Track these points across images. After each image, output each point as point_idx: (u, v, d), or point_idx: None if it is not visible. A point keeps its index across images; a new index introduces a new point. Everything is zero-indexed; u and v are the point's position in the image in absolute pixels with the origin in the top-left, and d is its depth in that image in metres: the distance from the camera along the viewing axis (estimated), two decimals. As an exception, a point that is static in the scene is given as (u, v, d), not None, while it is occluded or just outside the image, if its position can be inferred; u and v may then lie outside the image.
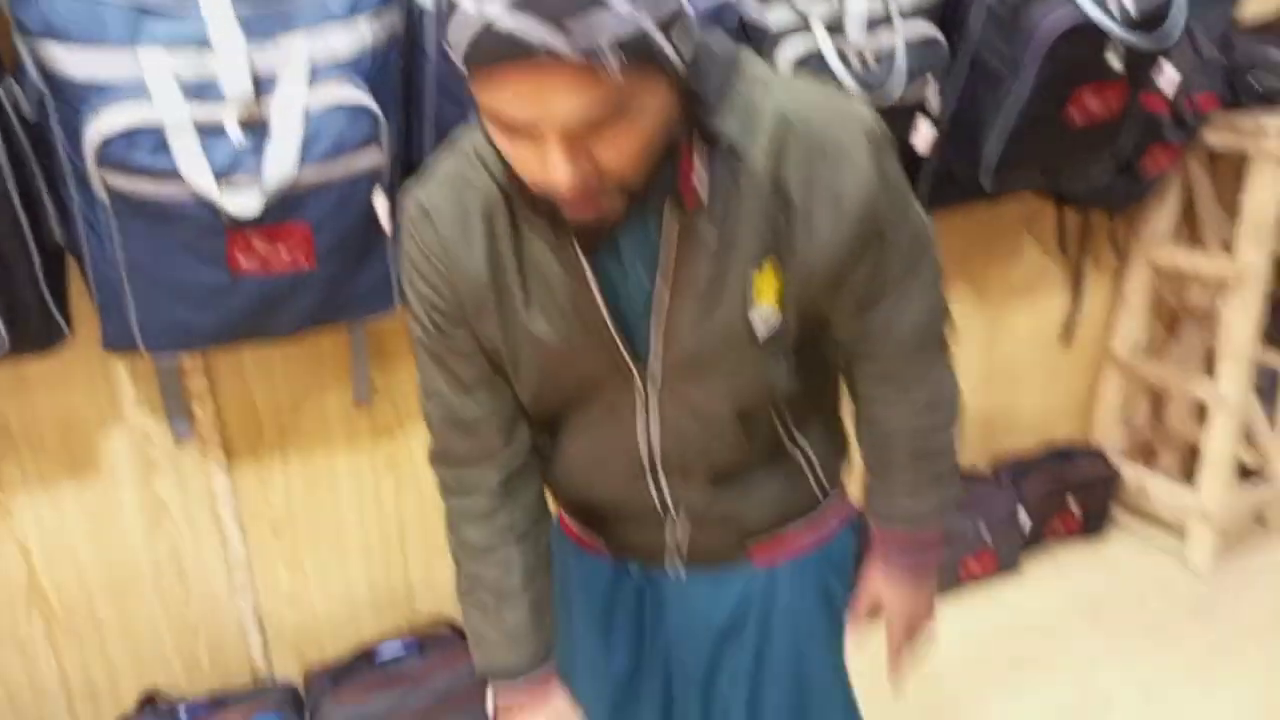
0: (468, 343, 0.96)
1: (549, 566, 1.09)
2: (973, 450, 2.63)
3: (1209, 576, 2.45)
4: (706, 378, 0.94)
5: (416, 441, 1.91)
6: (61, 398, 1.62)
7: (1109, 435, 2.70)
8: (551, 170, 0.73)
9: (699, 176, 0.84)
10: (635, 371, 0.94)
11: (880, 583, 1.16)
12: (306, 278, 1.48)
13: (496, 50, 0.67)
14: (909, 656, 1.20)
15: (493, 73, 0.69)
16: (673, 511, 1.06)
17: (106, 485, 1.69)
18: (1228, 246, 2.37)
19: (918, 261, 0.97)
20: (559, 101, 0.69)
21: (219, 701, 1.79)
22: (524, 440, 1.04)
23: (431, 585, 2.03)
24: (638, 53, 0.68)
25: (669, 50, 0.71)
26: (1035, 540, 2.53)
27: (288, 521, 1.85)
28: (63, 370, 1.60)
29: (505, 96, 0.70)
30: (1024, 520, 2.45)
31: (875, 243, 0.92)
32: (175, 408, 1.67)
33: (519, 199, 0.85)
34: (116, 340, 1.47)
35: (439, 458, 1.05)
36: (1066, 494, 2.53)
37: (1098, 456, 2.62)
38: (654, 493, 1.05)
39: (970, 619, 2.31)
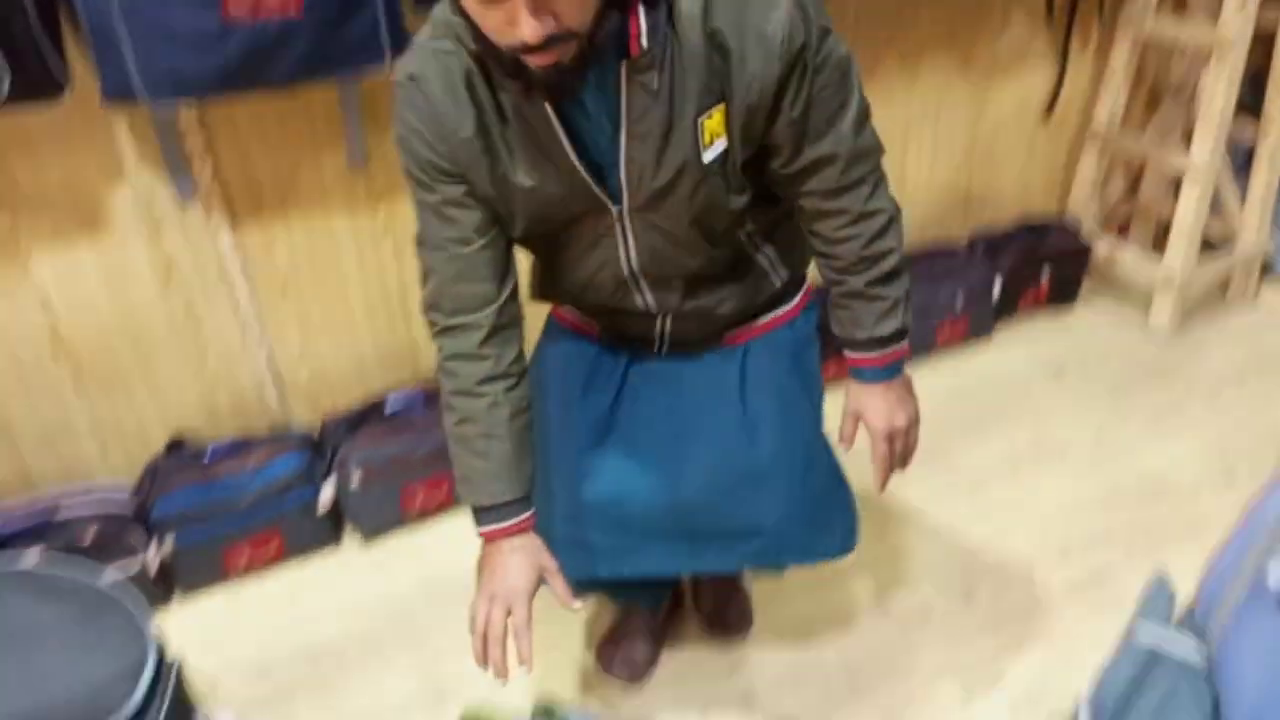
0: (464, 195, 1.10)
1: (529, 412, 1.23)
2: (951, 223, 2.72)
3: (1169, 340, 2.59)
4: (669, 206, 1.11)
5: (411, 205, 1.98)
6: (66, 156, 1.66)
7: (1084, 209, 2.78)
8: (520, 27, 0.88)
9: (640, 28, 0.98)
10: (610, 207, 1.12)
11: (859, 402, 1.30)
12: (295, 26, 1.52)
13: None
14: (893, 467, 1.31)
15: None
16: (656, 310, 1.27)
17: (117, 242, 1.76)
18: (1214, 16, 2.37)
19: (845, 92, 1.09)
20: None
21: (242, 445, 1.94)
22: (514, 293, 1.18)
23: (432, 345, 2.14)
24: None
25: None
26: (1007, 310, 2.66)
27: (293, 281, 1.94)
28: (65, 126, 1.64)
29: None
30: (997, 290, 2.57)
31: (803, 74, 1.05)
32: (176, 166, 1.72)
33: (492, 64, 0.99)
34: (115, 89, 1.50)
35: (435, 306, 1.18)
36: (1040, 266, 2.63)
37: (1071, 230, 2.71)
38: (639, 299, 1.25)
39: (941, 379, 2.46)
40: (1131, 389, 2.42)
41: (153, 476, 1.88)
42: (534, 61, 0.93)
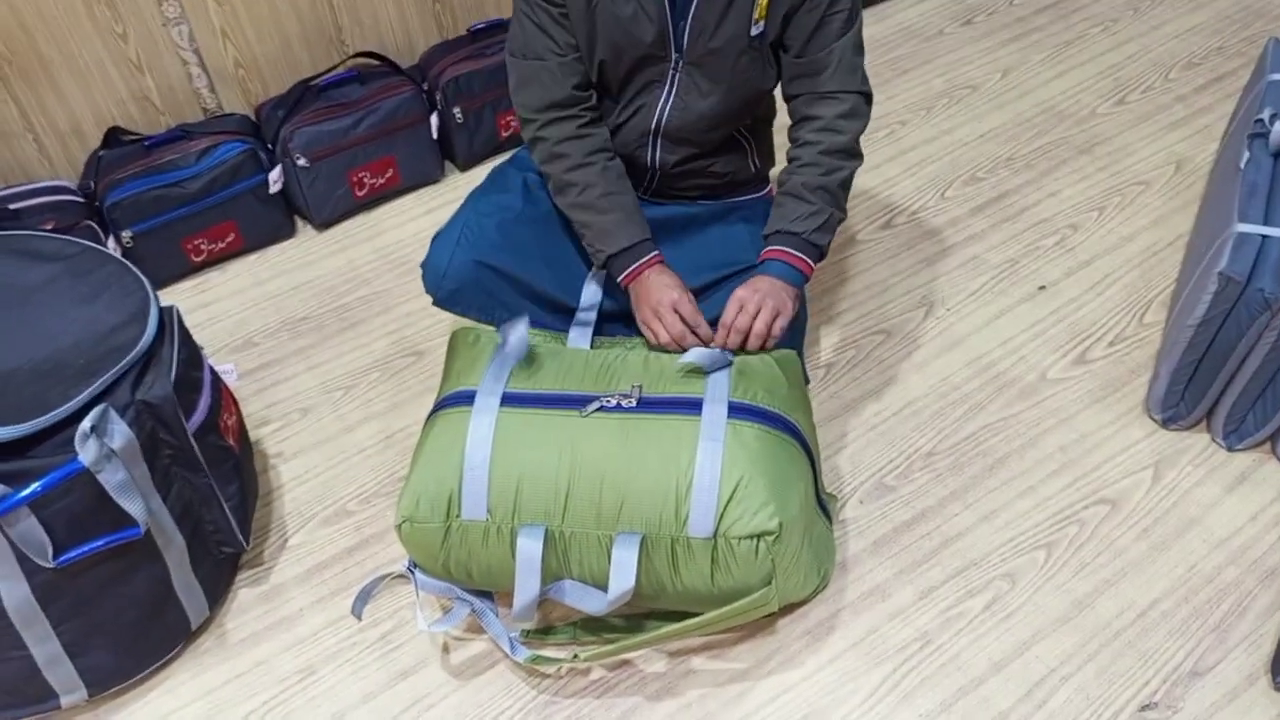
0: (562, 15, 1.34)
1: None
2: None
3: (1071, -21, 2.68)
4: (716, 66, 1.36)
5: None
6: None
7: None
8: None
9: None
10: (671, 54, 1.36)
11: (742, 286, 1.37)
12: None
13: None
14: (730, 330, 1.35)
15: None
16: (655, 167, 1.49)
17: (9, -91, 1.65)
18: None
19: (850, 21, 1.36)
20: None
21: (182, 133, 1.93)
22: (594, 95, 1.42)
23: (356, 19, 2.10)
24: None
25: None
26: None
27: (203, -48, 1.86)
28: None
29: None
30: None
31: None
32: None
33: None
34: None
35: (536, 107, 1.39)
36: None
37: None
38: (648, 154, 1.47)
39: (858, 33, 2.53)
40: (1035, 29, 2.52)
41: (97, 169, 1.88)
42: None
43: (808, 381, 1.66)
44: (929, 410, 1.65)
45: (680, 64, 1.38)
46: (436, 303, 1.48)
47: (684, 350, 1.35)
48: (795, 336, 1.57)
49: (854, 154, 1.42)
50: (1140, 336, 1.75)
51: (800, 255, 1.40)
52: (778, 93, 1.49)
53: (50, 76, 1.83)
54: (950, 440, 1.61)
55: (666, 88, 1.40)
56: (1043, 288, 1.85)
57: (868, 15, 2.60)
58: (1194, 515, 1.48)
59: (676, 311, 1.36)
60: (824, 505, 1.42)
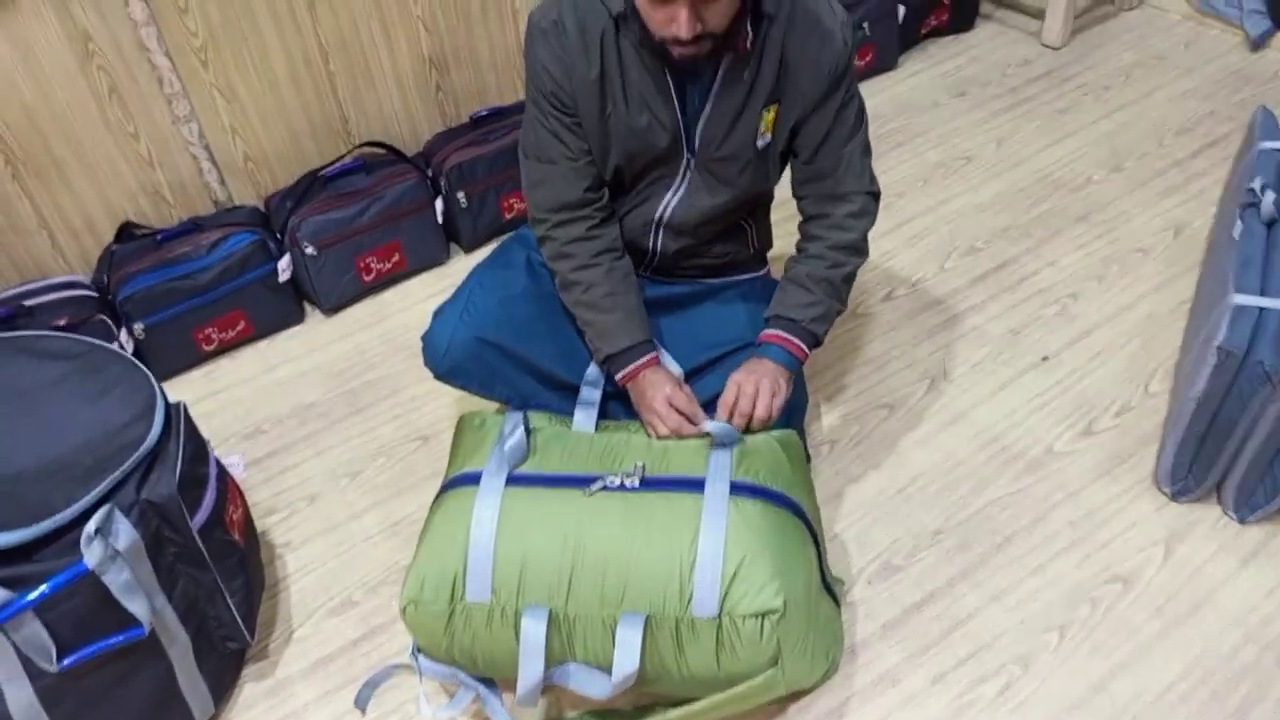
0: (574, 124, 1.36)
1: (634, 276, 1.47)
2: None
3: (1061, 49, 2.73)
4: (725, 170, 1.40)
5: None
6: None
7: (982, -71, 2.82)
8: (678, 27, 1.18)
9: (748, 34, 1.28)
10: (685, 155, 1.39)
11: (739, 370, 1.40)
12: None
13: None
14: (732, 411, 1.36)
15: None
16: (656, 252, 1.52)
17: (25, 16, 1.71)
18: None
19: (858, 125, 1.40)
20: None
21: (193, 226, 1.98)
22: (606, 195, 1.44)
23: (362, 111, 2.16)
24: None
25: None
26: (910, 38, 2.75)
27: (213, 50, 1.92)
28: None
29: None
30: (901, 17, 2.64)
31: (835, 100, 1.36)
32: (72, -67, 1.66)
33: (639, 36, 1.26)
34: None
35: (547, 208, 1.42)
36: (941, -12, 2.70)
37: (970, -53, 2.76)
38: (650, 240, 1.50)
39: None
40: (1028, 99, 2.57)
41: (110, 264, 1.92)
42: (679, 51, 1.21)
43: (809, 460, 1.66)
44: (935, 486, 1.65)
45: (692, 164, 1.41)
46: (437, 376, 1.50)
47: (682, 439, 1.36)
48: (795, 416, 1.57)
49: (860, 250, 1.45)
50: (1147, 406, 1.74)
51: (797, 341, 1.42)
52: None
53: (64, 174, 1.88)
54: (957, 517, 1.60)
55: (677, 183, 1.43)
56: (1046, 358, 1.86)
57: (863, 88, 2.62)
58: (1208, 591, 1.46)
59: (672, 405, 1.37)
60: (830, 588, 1.41)
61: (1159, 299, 1.95)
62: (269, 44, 1.97)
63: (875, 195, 1.45)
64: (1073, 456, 1.67)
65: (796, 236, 1.48)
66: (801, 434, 1.61)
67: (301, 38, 2.00)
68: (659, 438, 1.38)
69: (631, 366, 1.42)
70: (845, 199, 1.42)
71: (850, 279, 1.46)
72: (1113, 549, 1.53)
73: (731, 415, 1.36)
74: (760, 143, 1.38)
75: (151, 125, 1.92)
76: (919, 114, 2.55)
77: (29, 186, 1.86)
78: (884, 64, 2.69)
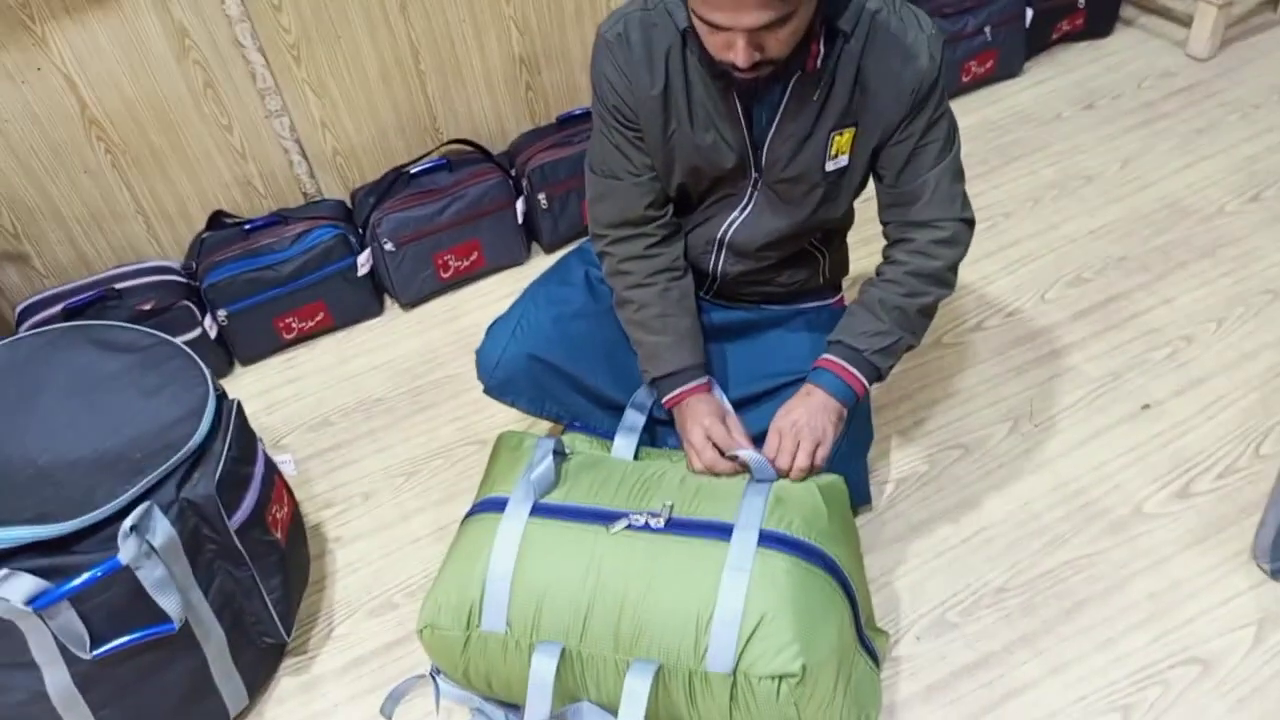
0: (638, 138, 1.31)
1: (693, 297, 1.42)
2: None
3: (1208, 61, 2.49)
4: (792, 192, 1.32)
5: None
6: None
7: (1127, -74, 2.60)
8: (735, 56, 1.11)
9: (819, 52, 1.19)
10: (751, 174, 1.32)
11: (786, 406, 1.32)
12: None
13: None
14: (778, 457, 1.29)
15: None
16: (716, 275, 1.45)
17: (127, 12, 1.78)
18: None
19: (949, 147, 1.29)
20: (748, 18, 1.07)
21: (280, 217, 2.03)
22: (669, 212, 1.39)
23: (451, 109, 2.16)
24: None
25: None
26: (1040, 43, 2.56)
27: (305, 47, 1.95)
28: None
29: (713, 11, 1.08)
30: (1029, 20, 2.47)
31: (920, 120, 1.25)
32: (174, -68, 1.71)
33: (701, 58, 1.21)
34: None
35: (608, 223, 1.38)
36: (1075, -10, 2.51)
37: (1111, -54, 2.55)
38: (711, 261, 1.44)
39: (966, 116, 2.42)
40: (1164, 115, 2.35)
41: (199, 251, 1.99)
42: (738, 75, 1.15)
43: (868, 501, 1.57)
44: (1004, 539, 1.53)
45: (758, 184, 1.34)
46: (487, 390, 1.49)
47: (717, 475, 1.31)
48: (857, 454, 1.49)
49: (944, 281, 1.35)
50: (1254, 470, 1.57)
51: (856, 373, 1.33)
52: (857, 202, 1.43)
53: (160, 163, 1.96)
54: (1025, 576, 1.48)
55: (743, 202, 1.37)
56: (1147, 407, 1.70)
57: (979, 96, 2.49)
58: (1302, 688, 1.31)
59: (710, 438, 1.31)
60: (868, 645, 1.33)
61: (1286, 349, 1.77)
62: (360, 42, 1.99)
63: (969, 223, 1.34)
64: (1163, 520, 1.53)
65: (878, 259, 1.39)
66: (863, 473, 1.53)
67: (393, 36, 2.01)
68: (694, 471, 1.33)
69: (676, 392, 1.37)
70: (932, 225, 1.32)
71: (927, 312, 1.36)
72: (1195, 628, 1.39)
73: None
74: (831, 165, 1.30)
75: (245, 118, 1.98)
76: (1039, 126, 2.38)
77: (127, 174, 1.94)
78: (1007, 71, 2.52)
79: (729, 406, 1.39)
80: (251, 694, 1.44)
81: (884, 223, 1.37)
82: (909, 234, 1.34)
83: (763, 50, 1.11)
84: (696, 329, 1.41)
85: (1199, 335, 1.81)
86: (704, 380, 1.38)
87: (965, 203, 1.34)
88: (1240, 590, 1.42)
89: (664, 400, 1.39)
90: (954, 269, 1.35)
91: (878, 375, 1.35)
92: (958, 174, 1.32)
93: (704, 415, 1.33)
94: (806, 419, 1.29)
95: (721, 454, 1.31)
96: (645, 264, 1.38)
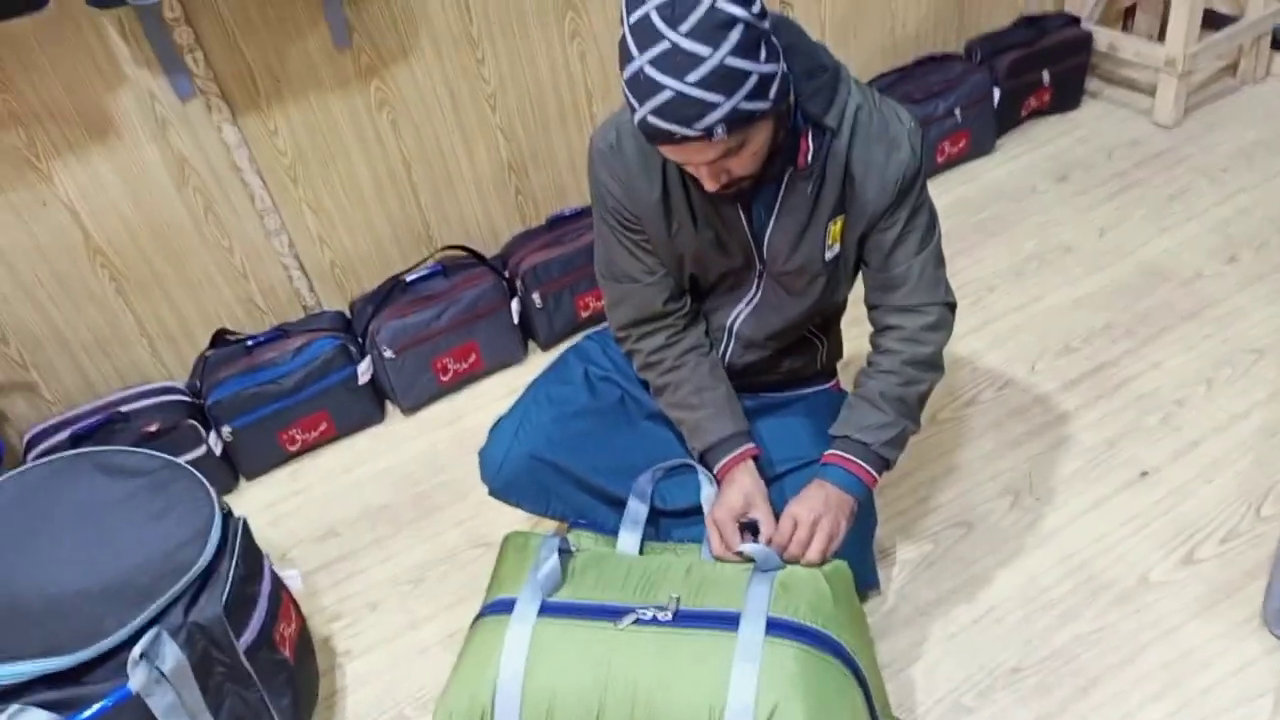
0: (644, 240, 1.36)
1: (722, 368, 1.46)
2: (947, 30, 2.68)
3: (1174, 128, 2.57)
4: (795, 282, 1.36)
5: (403, 78, 2.03)
6: (64, 64, 1.73)
7: (1082, 1, 2.71)
8: (703, 181, 1.17)
9: (808, 148, 1.23)
10: (757, 265, 1.36)
11: (799, 495, 1.34)
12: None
13: (654, 135, 1.09)
14: (789, 546, 1.31)
15: (656, 144, 1.12)
16: (726, 362, 1.47)
17: (128, 147, 1.85)
18: None
19: (930, 234, 1.33)
20: (696, 155, 1.12)
21: (281, 332, 2.07)
22: (688, 301, 1.43)
23: (443, 216, 2.22)
24: (740, 120, 1.07)
25: (767, 105, 1.08)
26: (1010, 119, 2.65)
27: (301, 168, 2.02)
28: (56, 32, 1.70)
29: (667, 153, 1.14)
30: (997, 99, 2.55)
31: (904, 208, 1.29)
32: (170, 61, 1.78)
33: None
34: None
35: (629, 325, 1.42)
36: (1040, 68, 2.60)
37: (1070, 22, 2.65)
38: (721, 349, 1.48)
39: (942, 195, 2.49)
40: (1136, 183, 2.42)
41: (203, 369, 2.02)
42: (715, 193, 1.20)
43: (876, 586, 1.57)
44: (1014, 617, 1.53)
45: (764, 275, 1.38)
46: (491, 493, 1.51)
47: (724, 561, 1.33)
48: (863, 540, 1.49)
49: (936, 366, 1.38)
50: (1257, 533, 1.58)
51: (866, 466, 1.35)
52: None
53: (163, 287, 2.00)
54: (1037, 654, 1.47)
55: (750, 293, 1.41)
56: (1145, 474, 1.71)
57: (955, 175, 2.56)
58: (1325, 755, 1.29)
59: (741, 515, 1.34)
60: (885, 734, 1.32)
61: (1275, 407, 1.78)
62: (354, 159, 2.06)
63: (951, 307, 1.38)
64: (1170, 588, 1.53)
65: (865, 342, 1.42)
66: (869, 558, 1.53)
67: (385, 152, 2.08)
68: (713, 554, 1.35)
69: (723, 462, 1.40)
70: (919, 311, 1.35)
71: (924, 398, 1.39)
72: (1213, 697, 1.38)
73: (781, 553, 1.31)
74: (829, 254, 1.34)
75: (244, 239, 2.03)
76: (1016, 201, 2.44)
77: (131, 299, 1.98)
78: (980, 149, 2.60)
79: (763, 488, 1.39)
80: (265, 818, 1.42)
81: (871, 306, 1.40)
82: (897, 320, 1.37)
83: (729, 172, 1.16)
84: (733, 398, 1.44)
85: (1190, 398, 1.84)
86: (749, 446, 1.40)
87: (948, 288, 1.38)
88: (1254, 657, 1.42)
89: (715, 472, 1.41)
90: (942, 352, 1.38)
91: (886, 466, 1.37)
92: (940, 260, 1.36)
93: (737, 493, 1.36)
94: (823, 510, 1.30)
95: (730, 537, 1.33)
96: (672, 350, 1.42)
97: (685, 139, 1.07)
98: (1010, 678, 1.45)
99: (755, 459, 1.40)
